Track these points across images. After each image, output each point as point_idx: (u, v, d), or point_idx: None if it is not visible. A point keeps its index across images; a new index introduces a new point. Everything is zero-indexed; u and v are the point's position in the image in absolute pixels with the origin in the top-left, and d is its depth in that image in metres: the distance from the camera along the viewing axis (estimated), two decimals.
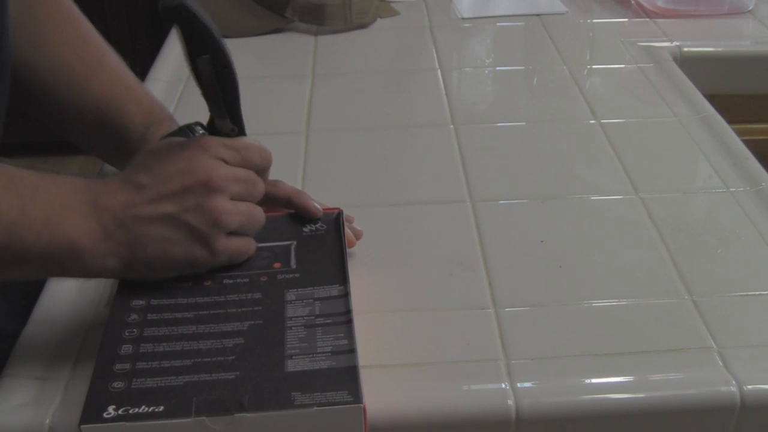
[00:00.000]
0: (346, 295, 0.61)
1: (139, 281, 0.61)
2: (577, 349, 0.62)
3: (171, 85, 1.02)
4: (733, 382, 0.59)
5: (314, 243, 0.66)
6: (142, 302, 0.60)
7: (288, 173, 0.75)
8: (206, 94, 0.63)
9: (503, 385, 0.59)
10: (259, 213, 0.63)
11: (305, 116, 0.96)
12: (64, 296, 0.68)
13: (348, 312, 0.59)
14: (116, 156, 0.77)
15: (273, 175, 0.69)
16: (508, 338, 0.63)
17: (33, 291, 0.69)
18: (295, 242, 0.66)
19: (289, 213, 0.69)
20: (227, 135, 0.64)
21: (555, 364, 0.61)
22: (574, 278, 0.70)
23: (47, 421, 0.56)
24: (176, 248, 0.59)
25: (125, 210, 0.58)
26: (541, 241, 0.74)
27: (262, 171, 0.64)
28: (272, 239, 0.66)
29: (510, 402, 0.58)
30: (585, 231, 0.76)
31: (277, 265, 0.64)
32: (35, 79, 0.74)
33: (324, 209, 0.69)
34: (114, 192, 0.59)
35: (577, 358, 0.61)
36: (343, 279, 0.62)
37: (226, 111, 0.63)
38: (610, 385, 0.59)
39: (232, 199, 0.60)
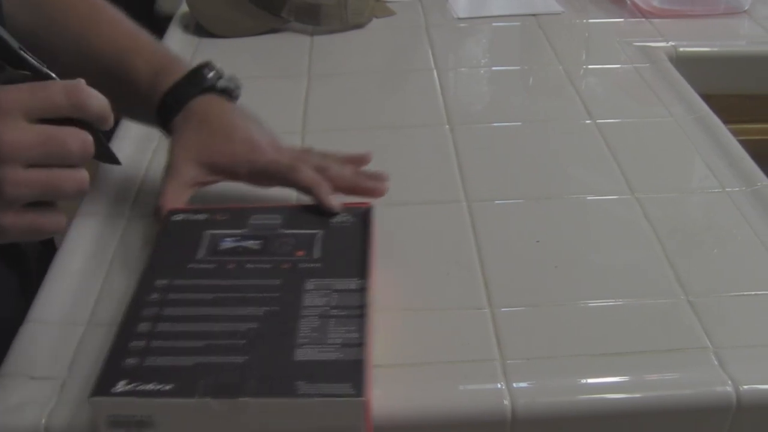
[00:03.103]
0: (364, 290, 0.61)
1: (167, 262, 0.63)
2: (573, 349, 0.62)
3: None
4: (729, 382, 0.59)
5: (341, 234, 0.67)
6: (165, 281, 0.61)
7: None
8: None
9: (499, 385, 0.59)
10: (68, 177, 0.54)
11: (301, 116, 0.96)
12: (61, 296, 0.68)
13: (362, 306, 0.59)
14: (127, 104, 0.77)
15: None
16: (504, 338, 0.63)
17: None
18: (322, 232, 0.67)
19: None
20: None
21: (551, 364, 0.61)
22: (569, 278, 0.70)
23: (43, 422, 0.56)
24: None
25: None
26: (537, 241, 0.74)
27: (75, 114, 0.54)
28: (300, 227, 0.67)
29: (506, 402, 0.57)
30: (581, 231, 0.76)
31: (300, 253, 0.64)
32: (33, 45, 0.73)
33: (354, 204, 0.70)
34: None
35: (573, 358, 0.61)
36: (363, 273, 0.62)
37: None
38: (606, 385, 0.59)
39: (32, 166, 0.52)
